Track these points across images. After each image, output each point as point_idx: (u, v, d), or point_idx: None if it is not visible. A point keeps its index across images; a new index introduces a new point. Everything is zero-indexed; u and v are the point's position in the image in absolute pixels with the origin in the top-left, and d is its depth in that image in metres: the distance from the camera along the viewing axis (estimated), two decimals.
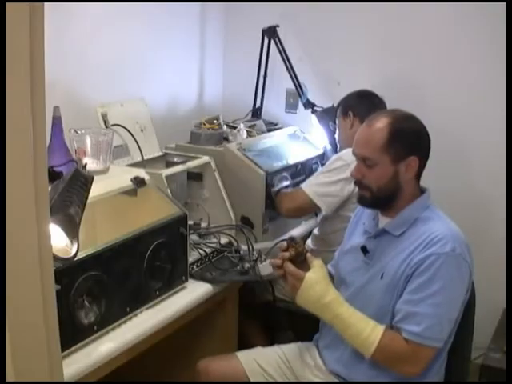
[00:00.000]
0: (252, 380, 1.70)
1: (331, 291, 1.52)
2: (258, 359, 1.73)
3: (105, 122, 2.08)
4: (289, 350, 1.77)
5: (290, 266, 1.53)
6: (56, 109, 1.68)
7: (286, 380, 1.71)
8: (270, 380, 1.71)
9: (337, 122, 2.35)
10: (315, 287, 1.50)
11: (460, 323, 1.54)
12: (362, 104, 2.22)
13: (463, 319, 1.55)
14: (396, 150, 1.51)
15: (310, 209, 2.20)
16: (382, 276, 1.52)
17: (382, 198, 1.56)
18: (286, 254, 1.56)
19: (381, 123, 1.53)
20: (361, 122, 2.13)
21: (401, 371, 1.48)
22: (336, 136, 2.38)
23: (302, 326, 2.35)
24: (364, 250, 1.59)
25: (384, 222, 1.59)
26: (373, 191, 1.56)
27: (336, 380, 1.62)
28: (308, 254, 1.57)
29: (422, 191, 1.59)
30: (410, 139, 1.53)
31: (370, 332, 1.46)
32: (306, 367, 1.70)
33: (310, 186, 2.14)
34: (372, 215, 1.65)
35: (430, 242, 1.46)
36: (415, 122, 1.57)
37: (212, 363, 1.75)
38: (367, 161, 1.54)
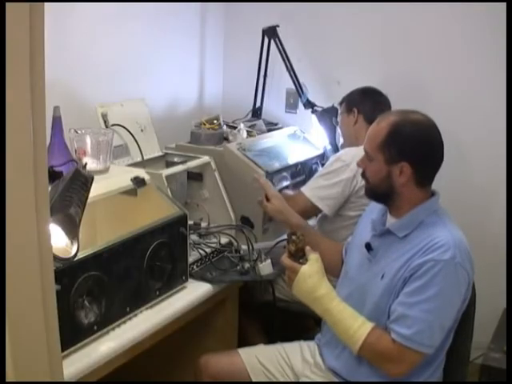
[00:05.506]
0: (252, 376, 1.72)
1: (323, 285, 1.53)
2: (259, 356, 1.74)
3: (105, 122, 2.08)
4: (290, 347, 1.77)
5: (286, 260, 1.57)
6: (56, 109, 1.68)
7: (286, 377, 1.72)
8: (270, 376, 1.72)
9: (339, 118, 2.34)
10: (308, 281, 1.52)
11: (460, 324, 1.54)
12: (367, 102, 2.21)
13: (463, 320, 1.55)
14: (390, 152, 1.51)
15: (312, 212, 2.18)
16: (382, 276, 1.52)
17: (378, 194, 1.59)
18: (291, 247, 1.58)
19: (386, 122, 1.54)
20: (365, 119, 2.15)
21: (385, 370, 1.48)
22: (339, 131, 2.37)
23: (302, 326, 2.35)
24: (368, 246, 1.60)
25: (391, 221, 1.59)
26: (370, 185, 1.60)
27: (334, 378, 1.62)
28: (307, 247, 1.58)
29: (433, 194, 1.58)
30: (405, 144, 1.51)
31: (356, 329, 1.47)
32: (306, 365, 1.71)
33: (310, 190, 2.11)
34: (382, 211, 1.65)
35: (430, 248, 1.44)
36: (422, 128, 1.53)
37: (213, 359, 1.76)
38: (367, 154, 1.57)
